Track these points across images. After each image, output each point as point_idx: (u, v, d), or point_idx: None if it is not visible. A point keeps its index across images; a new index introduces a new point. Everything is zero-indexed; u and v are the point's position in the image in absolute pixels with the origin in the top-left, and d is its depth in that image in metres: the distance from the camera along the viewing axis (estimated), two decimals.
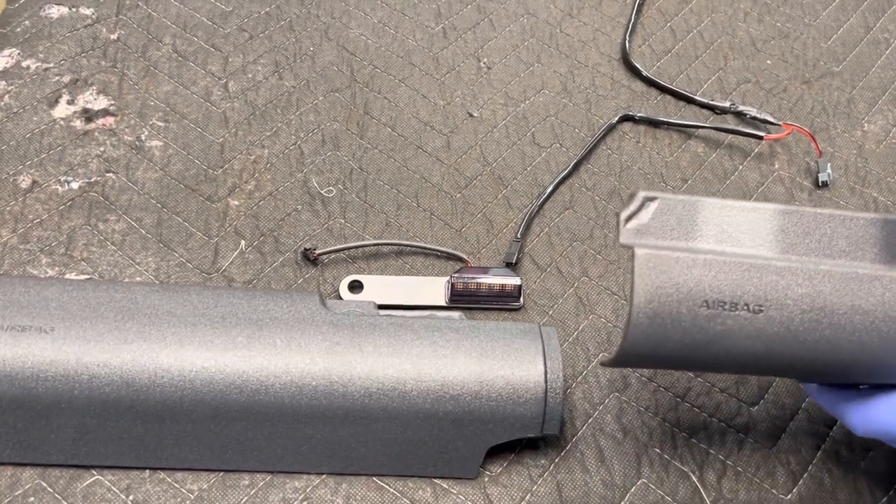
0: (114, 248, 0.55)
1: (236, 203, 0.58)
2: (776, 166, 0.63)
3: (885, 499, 0.48)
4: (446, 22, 0.71)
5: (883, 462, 0.49)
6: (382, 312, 0.51)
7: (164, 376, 0.44)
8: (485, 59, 0.69)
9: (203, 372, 0.44)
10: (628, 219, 0.40)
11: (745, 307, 0.38)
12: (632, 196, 0.40)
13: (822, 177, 0.62)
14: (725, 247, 0.40)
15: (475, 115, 0.65)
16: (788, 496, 0.48)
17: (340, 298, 0.54)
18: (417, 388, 0.45)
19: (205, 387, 0.44)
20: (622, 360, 0.40)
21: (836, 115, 0.67)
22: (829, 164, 0.62)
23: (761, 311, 0.38)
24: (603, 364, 0.42)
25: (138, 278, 0.54)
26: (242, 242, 0.56)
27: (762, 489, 0.48)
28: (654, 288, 0.38)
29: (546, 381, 0.45)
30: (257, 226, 0.57)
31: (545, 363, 0.46)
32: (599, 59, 0.69)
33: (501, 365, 0.46)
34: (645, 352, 0.39)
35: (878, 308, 0.39)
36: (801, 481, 0.48)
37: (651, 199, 0.40)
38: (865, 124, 0.66)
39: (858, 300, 0.39)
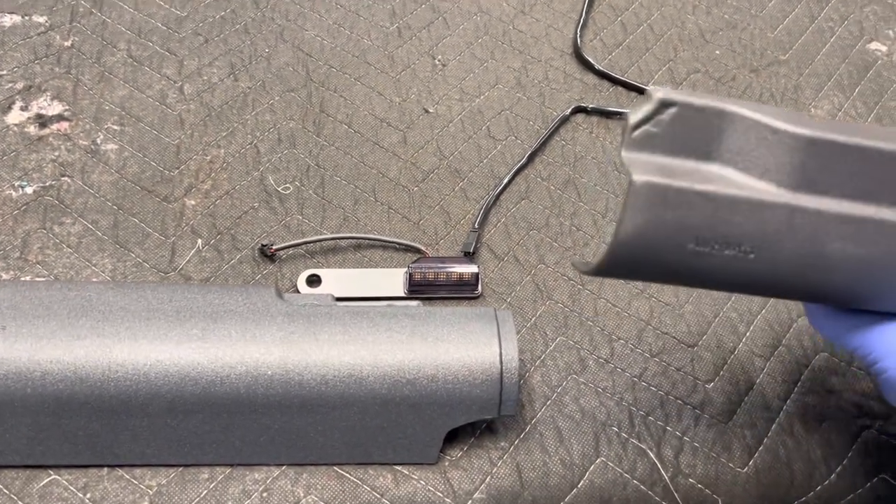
0: (69, 250, 0.55)
1: (193, 203, 0.58)
2: None
3: (839, 468, 0.49)
4: (401, 21, 0.72)
5: (836, 433, 0.50)
6: (340, 305, 0.51)
7: (118, 371, 0.44)
8: (439, 57, 0.69)
9: (158, 365, 0.44)
10: (637, 125, 0.35)
11: (737, 247, 0.36)
12: (647, 96, 0.35)
13: None
14: (734, 173, 0.35)
15: (431, 110, 0.66)
16: (745, 469, 0.49)
17: (298, 293, 0.54)
18: (374, 374, 0.45)
19: (160, 380, 0.44)
20: (598, 272, 0.38)
21: (783, 101, 0.68)
22: None
23: (752, 253, 0.36)
24: (577, 269, 0.39)
25: (94, 279, 0.54)
26: (199, 241, 0.57)
27: (719, 463, 0.49)
28: (643, 220, 0.35)
29: (501, 363, 0.46)
30: (214, 224, 0.57)
31: (500, 345, 0.46)
32: (552, 54, 0.70)
33: (457, 348, 0.46)
34: (622, 271, 0.37)
35: (886, 257, 0.36)
36: (756, 454, 0.49)
37: (668, 105, 0.34)
38: (812, 109, 0.68)
39: (866, 247, 0.36)
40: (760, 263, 0.36)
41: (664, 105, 0.34)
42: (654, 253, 0.36)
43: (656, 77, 0.69)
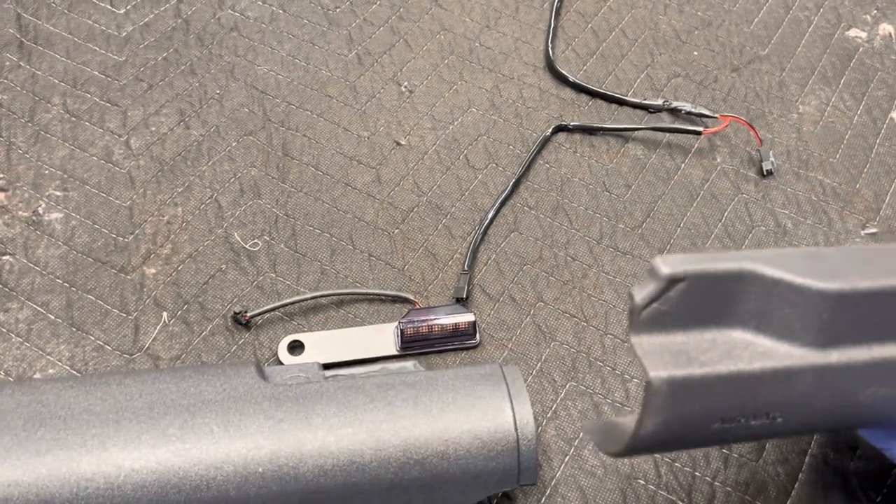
0: (19, 339, 0.50)
1: (153, 271, 0.53)
2: (718, 160, 0.61)
3: (879, 498, 0.46)
4: (360, 47, 0.67)
5: (872, 460, 0.47)
6: (328, 374, 0.47)
7: (88, 487, 0.39)
8: (405, 83, 0.65)
9: (133, 475, 0.39)
10: (645, 306, 0.31)
11: (765, 416, 0.33)
12: (652, 272, 0.31)
13: (766, 165, 0.60)
14: (755, 337, 0.32)
15: (403, 143, 0.61)
16: None
17: (280, 363, 0.49)
18: (377, 458, 0.41)
19: (138, 492, 0.39)
20: (616, 457, 0.36)
21: (769, 100, 0.65)
22: (770, 152, 0.61)
23: (780, 418, 0.33)
24: (588, 434, 0.36)
25: (51, 370, 0.48)
26: (165, 314, 0.51)
27: None
28: (664, 418, 0.32)
29: (516, 429, 0.42)
30: (179, 294, 0.52)
31: (512, 408, 0.42)
32: (524, 70, 0.66)
33: (466, 418, 0.42)
34: (644, 453, 0.35)
35: None
36: (793, 492, 0.46)
37: (677, 281, 0.30)
38: (800, 106, 0.65)
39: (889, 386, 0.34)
40: (789, 424, 0.34)
41: (672, 281, 0.30)
42: (677, 438, 0.33)
43: (636, 86, 0.65)
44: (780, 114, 0.64)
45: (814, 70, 0.67)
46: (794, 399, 0.33)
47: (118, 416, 0.41)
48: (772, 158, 0.60)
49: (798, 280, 0.31)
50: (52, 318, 0.51)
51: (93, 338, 0.50)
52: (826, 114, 0.65)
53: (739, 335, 0.32)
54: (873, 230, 0.58)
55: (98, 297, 0.52)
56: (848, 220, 0.58)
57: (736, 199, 0.59)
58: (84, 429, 0.40)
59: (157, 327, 0.51)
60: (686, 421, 0.32)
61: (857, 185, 0.60)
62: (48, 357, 0.49)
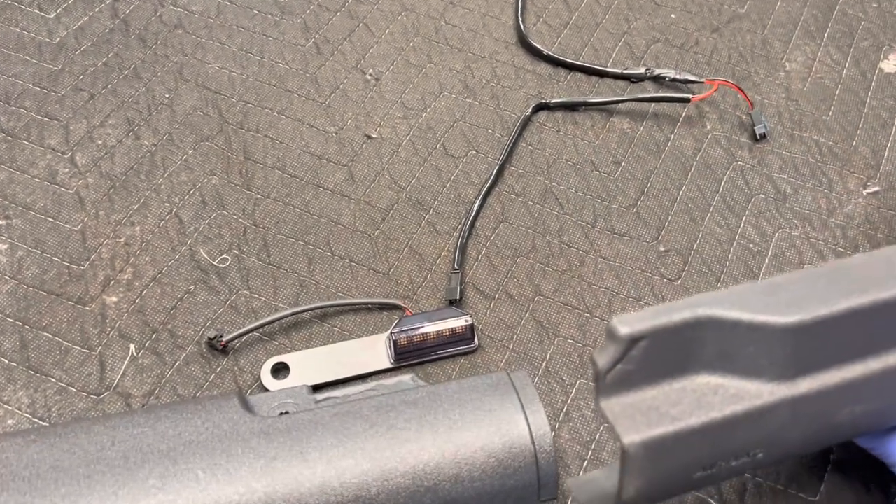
0: None
1: (114, 300, 0.48)
2: (708, 127, 0.58)
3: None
4: (317, 35, 0.62)
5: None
6: (319, 397, 0.43)
7: None
8: (370, 71, 0.60)
9: None
10: (609, 369, 0.30)
11: (745, 455, 0.33)
12: (611, 335, 0.30)
13: (759, 129, 0.57)
14: (722, 380, 0.32)
15: (374, 135, 0.57)
16: (817, 497, 0.42)
17: (265, 389, 0.45)
18: (384, 490, 0.37)
19: None
20: None
21: (754, 59, 0.62)
22: (762, 115, 0.58)
23: (760, 453, 0.34)
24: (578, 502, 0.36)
25: (10, 421, 0.44)
26: (132, 346, 0.47)
27: (788, 496, 0.42)
28: (644, 479, 0.31)
29: (533, 442, 0.38)
30: (146, 322, 0.47)
31: (526, 419, 0.39)
32: (495, 47, 0.62)
33: (477, 434, 0.38)
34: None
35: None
36: (826, 477, 0.43)
37: (638, 339, 0.30)
38: (786, 64, 0.62)
39: (876, 399, 0.34)
40: (771, 456, 0.34)
41: (633, 341, 0.30)
42: (661, 492, 0.33)
43: (614, 55, 0.62)
44: (767, 73, 0.61)
45: (796, 25, 0.64)
46: (771, 434, 0.33)
47: (90, 471, 0.36)
48: (764, 121, 0.57)
49: (757, 318, 0.31)
50: (6, 361, 0.46)
51: (54, 380, 0.45)
52: (814, 70, 0.62)
53: (706, 380, 0.32)
54: (875, 188, 0.55)
55: (55, 334, 0.47)
56: (848, 180, 0.55)
57: (731, 168, 0.56)
58: (52, 489, 0.36)
59: (125, 361, 0.46)
60: (666, 476, 0.32)
61: (854, 143, 0.57)
62: (5, 406, 0.44)
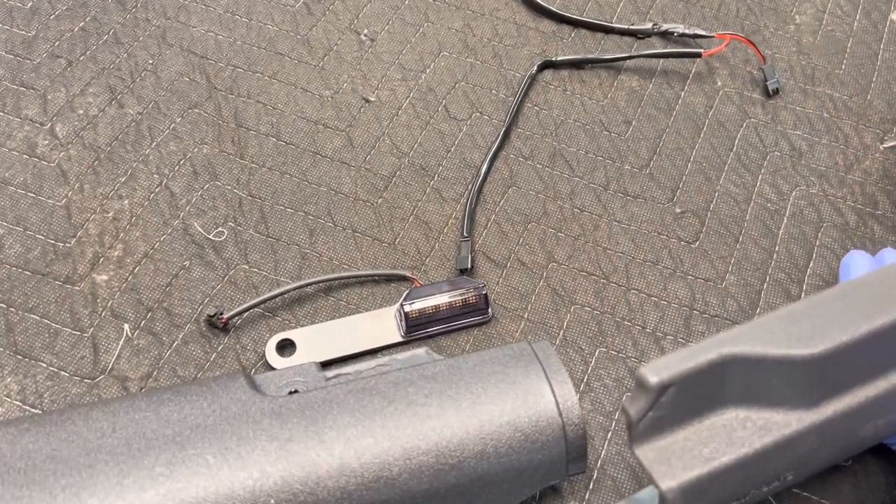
0: None
1: (105, 278, 0.45)
2: (719, 84, 0.56)
3: None
4: None
5: None
6: (330, 374, 0.41)
7: None
8: (365, 31, 0.57)
9: None
10: (641, 417, 0.31)
11: (776, 480, 0.34)
12: (640, 384, 0.31)
13: (772, 84, 0.55)
14: (749, 412, 0.33)
15: (372, 99, 0.54)
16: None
17: (271, 368, 0.43)
18: (407, 469, 0.35)
19: None
20: None
21: (763, 13, 0.60)
22: (774, 70, 0.55)
23: (790, 475, 0.35)
24: None
25: None
26: (126, 327, 0.44)
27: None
28: None
29: (560, 413, 0.36)
30: (140, 300, 0.45)
31: (552, 390, 0.37)
32: (495, 4, 0.59)
33: (502, 408, 0.36)
34: None
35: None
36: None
37: (668, 386, 0.31)
38: (796, 17, 0.60)
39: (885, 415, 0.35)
40: (799, 477, 0.35)
41: (663, 389, 0.31)
42: None
43: (619, 10, 0.59)
44: (777, 27, 0.59)
45: None
46: (800, 458, 0.34)
47: (91, 460, 0.34)
48: (776, 76, 0.55)
49: (780, 352, 0.32)
50: None
51: (44, 364, 0.42)
52: (824, 22, 0.60)
53: (734, 414, 0.33)
54: (892, 143, 0.53)
55: (43, 316, 0.44)
56: (864, 134, 0.54)
57: (744, 125, 0.54)
58: (52, 480, 0.33)
59: (120, 343, 0.43)
60: None
61: (868, 96, 0.55)
62: None
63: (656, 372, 0.31)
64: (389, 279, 0.46)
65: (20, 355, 0.43)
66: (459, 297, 0.44)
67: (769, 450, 0.33)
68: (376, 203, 0.49)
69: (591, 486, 0.40)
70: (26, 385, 0.42)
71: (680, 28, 0.56)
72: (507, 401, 0.36)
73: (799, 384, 0.33)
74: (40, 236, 0.47)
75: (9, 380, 0.42)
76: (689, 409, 0.33)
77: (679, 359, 0.31)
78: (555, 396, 0.37)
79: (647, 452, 0.32)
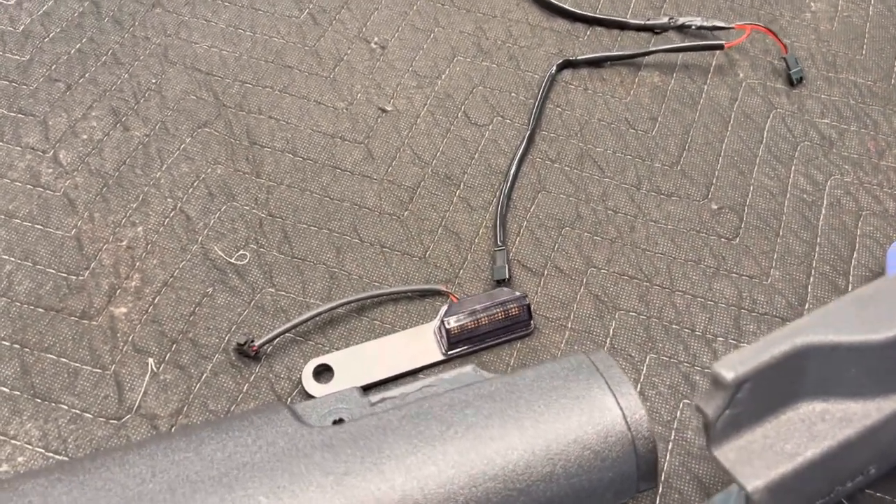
0: None
1: (123, 310, 0.43)
2: (741, 75, 0.55)
3: None
4: (311, 5, 0.57)
5: None
6: (374, 399, 0.38)
7: None
8: (375, 39, 0.55)
9: None
10: (718, 416, 0.30)
11: (860, 474, 0.34)
12: (716, 382, 0.30)
13: (795, 73, 0.54)
14: (826, 405, 0.32)
15: (388, 108, 0.52)
16: None
17: (308, 395, 0.40)
18: (473, 497, 0.33)
19: None
20: None
21: (777, 1, 0.59)
22: (796, 58, 0.54)
23: (873, 468, 0.34)
24: None
25: (20, 458, 0.38)
26: (150, 361, 0.41)
27: None
28: None
29: (629, 427, 0.34)
30: (163, 332, 0.42)
31: (618, 402, 0.35)
32: (506, 5, 0.57)
33: (567, 426, 0.34)
34: None
35: None
36: None
37: (744, 382, 0.30)
38: (812, 4, 0.59)
39: None
40: (881, 470, 0.35)
41: (739, 385, 0.30)
42: None
43: (632, 5, 0.58)
44: (793, 15, 0.58)
45: None
46: (882, 449, 0.33)
47: None
48: (799, 65, 0.54)
49: (856, 338, 0.31)
50: (7, 391, 0.40)
51: (65, 406, 0.40)
52: (840, 8, 0.58)
53: (811, 406, 0.32)
54: None
55: (60, 355, 0.41)
56: (893, 119, 0.52)
57: (771, 116, 0.52)
58: None
59: (145, 379, 0.41)
60: None
61: (893, 81, 0.54)
62: (13, 442, 0.39)
63: (731, 367, 0.30)
64: (424, 294, 0.44)
65: (39, 398, 0.40)
66: (501, 310, 0.42)
67: (852, 442, 0.32)
68: (402, 216, 0.47)
69: (657, 501, 0.38)
70: (48, 430, 0.39)
71: (697, 21, 0.55)
72: (571, 417, 0.34)
73: (876, 371, 0.32)
74: (51, 270, 0.44)
75: (29, 425, 0.39)
76: (765, 404, 0.31)
77: (753, 352, 0.30)
78: (621, 409, 0.35)
79: (728, 453, 0.31)
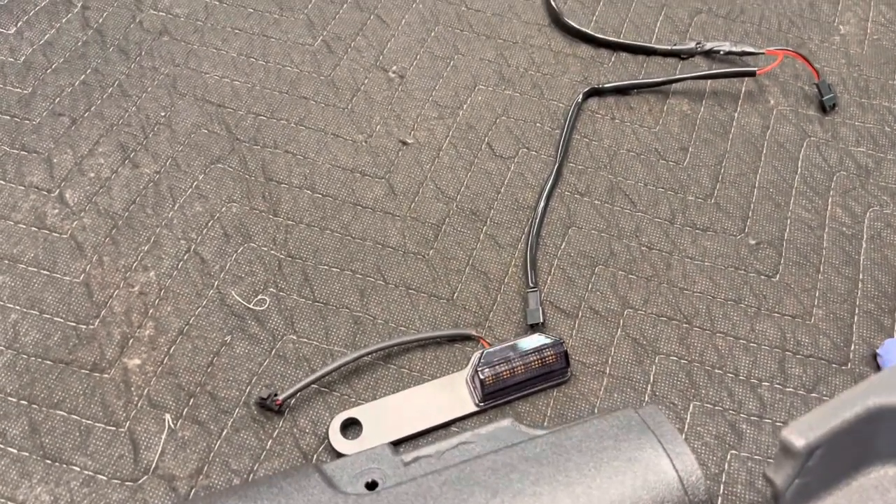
0: None
1: (137, 362, 0.40)
2: (772, 102, 0.53)
3: None
4: (325, 32, 0.55)
5: None
6: (407, 458, 0.36)
7: None
8: (392, 68, 0.53)
9: None
10: (788, 486, 0.29)
11: None
12: (785, 449, 0.28)
13: (828, 100, 0.52)
14: None
15: (409, 141, 0.50)
16: None
17: (336, 452, 0.38)
18: None
19: None
20: None
21: (805, 25, 0.57)
22: (828, 84, 0.53)
23: None
24: None
25: None
26: (167, 417, 0.39)
27: None
28: None
29: (686, 490, 0.32)
30: (179, 385, 0.40)
31: (673, 464, 0.33)
32: (527, 31, 0.56)
33: (620, 493, 0.32)
34: None
35: None
36: None
37: (815, 449, 0.28)
38: (840, 27, 0.57)
39: None
40: None
41: (811, 451, 0.28)
42: None
43: (657, 30, 0.56)
44: (822, 39, 0.56)
45: None
46: None
47: None
48: (832, 91, 0.52)
49: None
50: (16, 451, 0.38)
51: (77, 468, 0.37)
52: (869, 31, 0.57)
53: (884, 471, 0.31)
54: None
55: (71, 411, 0.39)
56: None
57: (805, 144, 0.51)
58: None
59: (162, 436, 0.38)
60: None
61: None
62: None
63: (801, 433, 0.28)
64: (453, 339, 0.42)
65: (49, 459, 0.38)
66: (537, 358, 0.40)
67: None
68: (428, 255, 0.45)
69: None
70: (59, 494, 0.37)
71: (726, 46, 0.53)
72: (625, 482, 0.32)
73: None
74: (59, 319, 0.42)
75: (39, 489, 0.37)
76: (836, 470, 0.30)
77: (823, 416, 0.29)
78: (676, 471, 0.32)
79: None
